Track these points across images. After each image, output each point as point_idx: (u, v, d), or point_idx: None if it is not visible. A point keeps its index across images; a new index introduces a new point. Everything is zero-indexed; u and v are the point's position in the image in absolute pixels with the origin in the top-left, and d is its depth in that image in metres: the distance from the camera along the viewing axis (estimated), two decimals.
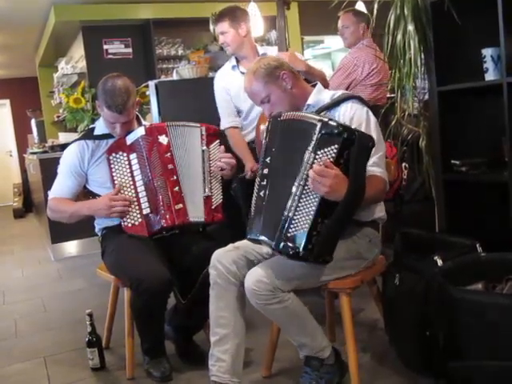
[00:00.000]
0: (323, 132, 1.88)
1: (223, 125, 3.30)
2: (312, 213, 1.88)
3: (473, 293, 1.98)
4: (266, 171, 2.07)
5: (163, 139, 2.56)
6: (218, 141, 2.68)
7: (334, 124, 1.88)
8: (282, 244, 1.92)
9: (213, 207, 2.61)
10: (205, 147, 2.63)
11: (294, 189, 1.92)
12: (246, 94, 2.33)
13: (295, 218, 1.90)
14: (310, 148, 1.90)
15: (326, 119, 1.91)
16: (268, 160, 2.08)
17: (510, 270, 2.07)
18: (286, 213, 1.92)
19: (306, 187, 1.89)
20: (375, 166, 2.08)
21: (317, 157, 1.88)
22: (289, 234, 1.91)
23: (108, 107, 2.48)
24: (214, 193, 2.63)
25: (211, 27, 5.65)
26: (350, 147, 1.86)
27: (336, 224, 1.91)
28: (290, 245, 1.90)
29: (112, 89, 2.47)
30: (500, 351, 1.81)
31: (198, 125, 2.66)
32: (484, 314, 1.84)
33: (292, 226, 1.90)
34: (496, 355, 1.82)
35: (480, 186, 2.68)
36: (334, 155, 1.86)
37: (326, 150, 1.87)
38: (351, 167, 1.87)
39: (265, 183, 2.06)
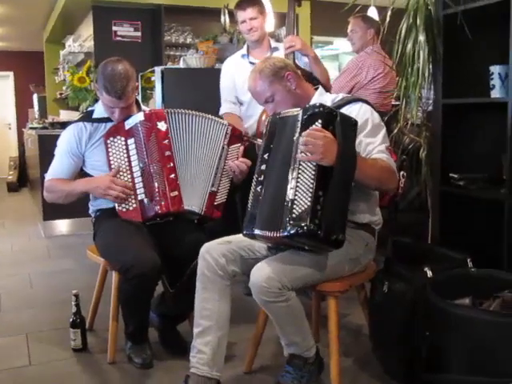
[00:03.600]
0: (307, 114, 1.97)
1: (222, 110, 3.39)
2: (311, 186, 1.88)
3: (460, 307, 1.98)
4: (263, 167, 2.09)
5: (162, 126, 2.54)
6: (239, 144, 2.66)
7: (316, 104, 1.98)
8: (289, 228, 1.89)
9: (215, 203, 2.60)
10: (225, 145, 2.62)
11: (289, 174, 1.94)
12: (250, 93, 2.34)
13: (296, 198, 1.90)
14: (297, 133, 1.97)
15: (306, 106, 2.01)
16: (266, 156, 2.09)
17: (498, 288, 2.08)
18: (287, 198, 1.92)
19: (300, 166, 1.92)
20: (381, 153, 2.11)
21: None
22: (294, 215, 1.89)
23: (107, 92, 2.46)
24: (221, 191, 2.62)
25: (222, 18, 5.62)
26: (334, 122, 1.93)
27: (335, 192, 1.90)
28: (298, 223, 1.87)
29: (111, 73, 2.45)
30: (483, 367, 1.82)
31: (226, 122, 2.66)
32: (469, 329, 1.85)
33: (295, 206, 1.89)
34: (478, 371, 1.83)
35: (476, 201, 2.68)
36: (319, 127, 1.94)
37: (311, 127, 1.93)
38: (338, 135, 1.92)
39: (262, 179, 2.07)
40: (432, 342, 1.98)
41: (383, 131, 2.19)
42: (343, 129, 1.94)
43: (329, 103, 2.24)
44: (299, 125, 1.97)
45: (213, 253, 2.17)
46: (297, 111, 2.03)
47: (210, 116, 2.63)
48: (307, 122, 1.95)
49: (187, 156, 2.57)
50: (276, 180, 2.02)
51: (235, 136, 2.66)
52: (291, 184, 1.92)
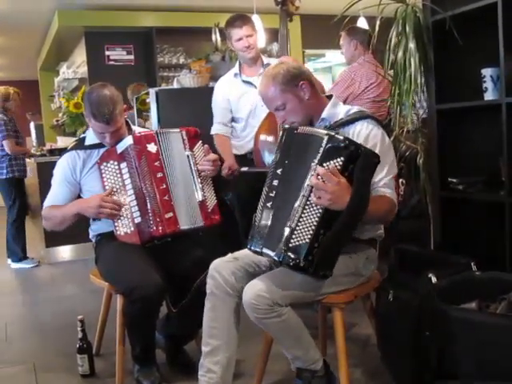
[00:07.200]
0: (330, 145, 1.88)
1: (213, 129, 3.44)
2: (315, 223, 1.87)
3: (466, 311, 1.98)
4: (275, 182, 2.03)
5: (152, 147, 2.54)
6: (200, 142, 2.67)
7: (341, 138, 1.89)
8: (283, 255, 1.90)
9: (209, 210, 2.60)
10: (189, 152, 2.61)
11: (297, 200, 1.91)
12: (260, 97, 2.25)
13: (297, 228, 1.88)
14: (316, 160, 1.89)
15: (332, 133, 1.91)
16: (279, 172, 2.03)
17: (504, 290, 2.07)
18: (289, 223, 1.90)
19: (309, 198, 1.89)
20: (385, 187, 2.07)
21: None
22: (290, 245, 1.89)
23: (95, 118, 2.46)
24: (208, 196, 2.62)
25: (213, 37, 5.67)
26: (355, 161, 1.86)
27: (337, 235, 1.89)
28: (292, 255, 1.89)
29: (97, 99, 2.45)
30: (493, 371, 1.81)
31: (178, 130, 2.64)
32: (477, 333, 1.83)
33: (294, 236, 1.89)
34: (487, 375, 1.81)
35: (476, 204, 2.68)
36: (339, 167, 1.86)
37: (331, 162, 1.86)
38: (355, 180, 1.87)
39: (273, 195, 2.02)
40: (440, 348, 1.97)
41: (391, 158, 2.13)
42: (363, 169, 1.88)
43: (342, 115, 2.17)
44: (320, 152, 1.89)
45: (222, 271, 2.14)
46: (321, 134, 1.92)
47: (169, 129, 2.63)
48: (329, 154, 1.87)
49: (177, 175, 2.56)
50: (287, 202, 1.96)
51: (192, 137, 2.65)
52: (297, 212, 1.90)
